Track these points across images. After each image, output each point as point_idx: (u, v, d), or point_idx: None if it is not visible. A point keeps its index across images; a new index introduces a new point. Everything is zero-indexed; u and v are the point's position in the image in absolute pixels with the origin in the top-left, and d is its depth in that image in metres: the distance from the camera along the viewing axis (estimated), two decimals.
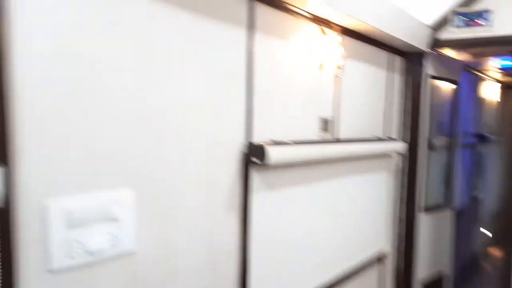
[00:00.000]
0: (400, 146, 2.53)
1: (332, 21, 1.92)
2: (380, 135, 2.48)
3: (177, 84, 1.25)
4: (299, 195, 1.80)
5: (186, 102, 1.29)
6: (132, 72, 1.12)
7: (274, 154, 1.50)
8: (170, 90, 1.23)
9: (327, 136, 2.02)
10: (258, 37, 1.54)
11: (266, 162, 1.47)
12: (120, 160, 1.10)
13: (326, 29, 1.91)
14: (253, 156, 1.50)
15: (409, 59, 2.65)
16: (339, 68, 2.04)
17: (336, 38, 1.98)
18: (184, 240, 1.28)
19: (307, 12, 1.76)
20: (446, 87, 3.11)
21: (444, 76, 2.94)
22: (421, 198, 2.78)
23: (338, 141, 2.09)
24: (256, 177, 1.55)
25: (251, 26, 1.51)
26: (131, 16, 1.11)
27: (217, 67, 1.39)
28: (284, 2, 1.62)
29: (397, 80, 2.62)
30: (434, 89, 2.88)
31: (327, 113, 2.02)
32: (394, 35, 2.20)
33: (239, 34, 1.47)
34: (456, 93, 3.20)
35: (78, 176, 1.01)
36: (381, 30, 2.09)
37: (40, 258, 0.95)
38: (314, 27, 1.85)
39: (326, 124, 2.02)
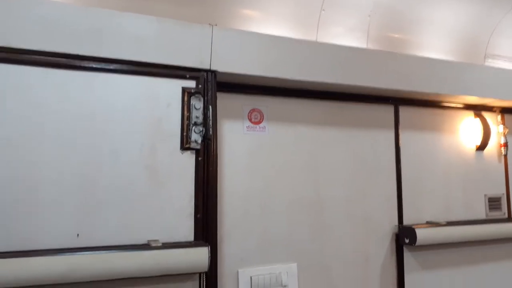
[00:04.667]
0: None
1: (488, 104, 1.86)
2: None
3: (340, 179, 1.50)
4: (462, 276, 1.70)
5: (346, 190, 1.50)
6: (305, 173, 1.43)
7: (424, 235, 1.53)
8: (336, 184, 1.49)
9: (498, 214, 1.86)
10: (404, 133, 1.66)
11: (416, 242, 1.51)
12: (287, 242, 1.38)
13: (481, 112, 1.86)
14: (405, 236, 1.56)
15: None
16: (502, 146, 1.91)
17: (494, 117, 1.90)
18: None
19: (456, 103, 1.79)
20: None
21: None
22: None
23: (510, 219, 1.89)
24: (409, 256, 1.59)
25: (396, 124, 1.66)
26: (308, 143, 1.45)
27: (371, 161, 1.57)
28: (426, 100, 1.71)
29: None
30: None
31: (496, 192, 1.88)
32: None
33: (388, 132, 1.64)
34: None
35: (258, 254, 1.33)
36: None
37: None
38: (466, 113, 1.84)
39: (495, 203, 1.87)
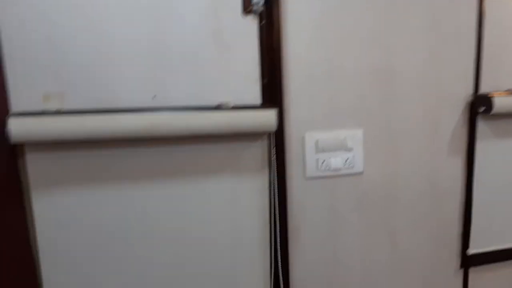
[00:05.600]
0: None
1: None
2: None
3: (413, 45, 1.38)
4: None
5: (415, 57, 1.40)
6: (375, 39, 1.34)
7: (501, 103, 1.42)
8: (408, 50, 1.38)
9: None
10: None
11: (492, 111, 1.42)
12: (354, 109, 1.35)
13: None
14: (480, 105, 1.47)
15: None
16: None
17: None
18: (406, 171, 1.44)
19: None
20: None
21: None
22: None
23: None
24: (483, 125, 1.51)
25: None
26: (378, 6, 1.32)
27: (448, 25, 1.42)
28: None
29: None
30: None
31: None
32: None
33: None
34: None
35: (324, 118, 1.33)
36: None
37: (300, 169, 1.34)
38: None
39: None
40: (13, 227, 1.11)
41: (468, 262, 1.59)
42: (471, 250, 1.57)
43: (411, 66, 1.40)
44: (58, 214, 1.14)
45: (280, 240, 1.32)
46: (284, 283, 1.35)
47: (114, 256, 1.19)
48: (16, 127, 0.99)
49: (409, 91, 1.41)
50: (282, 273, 1.34)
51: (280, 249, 1.33)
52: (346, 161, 1.36)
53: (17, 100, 1.07)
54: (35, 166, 1.10)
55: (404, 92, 1.41)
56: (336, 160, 1.35)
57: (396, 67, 1.39)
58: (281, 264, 1.34)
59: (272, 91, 1.25)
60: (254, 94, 1.24)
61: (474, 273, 1.63)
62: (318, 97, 1.32)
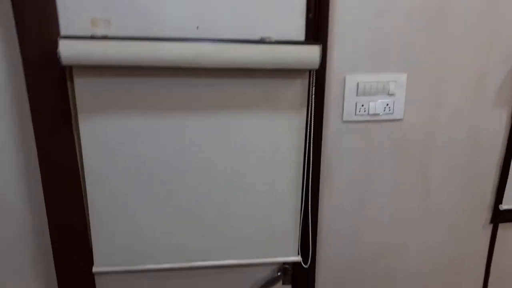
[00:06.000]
0: None
1: None
2: None
3: None
4: None
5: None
6: None
7: None
8: None
9: None
10: None
11: None
12: (400, 53, 1.30)
13: None
14: None
15: None
16: None
17: None
18: (447, 120, 1.40)
19: None
20: None
21: None
22: None
23: None
24: None
25: None
26: None
27: None
28: None
29: None
30: None
31: None
32: None
33: None
34: None
35: (367, 62, 1.29)
36: None
37: (338, 112, 1.32)
38: None
39: None
40: (63, 149, 1.18)
41: (499, 217, 1.58)
42: (504, 206, 1.55)
43: (465, 9, 1.31)
44: (103, 139, 1.19)
45: (312, 180, 1.35)
46: (312, 223, 1.40)
47: (152, 184, 1.25)
48: (66, 49, 1.01)
49: (460, 36, 1.34)
50: (311, 213, 1.38)
51: (311, 189, 1.36)
52: (386, 106, 1.33)
53: (66, 25, 1.09)
54: (82, 90, 1.14)
55: (455, 37, 1.33)
56: (376, 105, 1.33)
57: (448, 9, 1.30)
58: (311, 204, 1.37)
59: (317, 27, 1.21)
60: (298, 30, 1.21)
61: (503, 229, 1.62)
62: (364, 37, 1.27)
